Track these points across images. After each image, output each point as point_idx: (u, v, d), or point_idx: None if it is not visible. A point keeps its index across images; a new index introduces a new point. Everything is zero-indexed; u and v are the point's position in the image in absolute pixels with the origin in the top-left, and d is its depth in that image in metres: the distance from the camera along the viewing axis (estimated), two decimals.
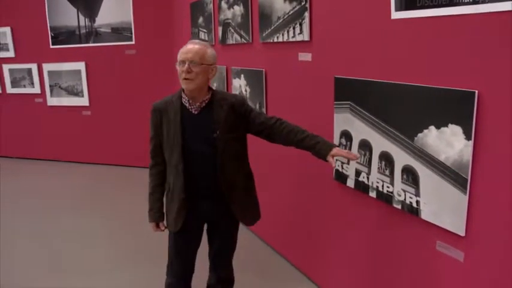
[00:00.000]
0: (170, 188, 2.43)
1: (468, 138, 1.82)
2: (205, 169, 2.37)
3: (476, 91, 1.77)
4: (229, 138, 2.35)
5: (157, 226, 2.52)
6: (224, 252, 2.66)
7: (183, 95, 2.35)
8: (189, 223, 2.42)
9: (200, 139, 2.34)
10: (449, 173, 1.93)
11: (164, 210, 2.51)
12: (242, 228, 2.70)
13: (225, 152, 2.34)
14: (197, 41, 2.37)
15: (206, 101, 2.35)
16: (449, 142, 1.91)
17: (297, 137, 2.35)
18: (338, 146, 2.35)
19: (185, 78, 2.25)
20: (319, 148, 2.28)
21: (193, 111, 2.34)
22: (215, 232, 2.59)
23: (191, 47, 2.29)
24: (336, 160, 2.68)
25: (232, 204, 2.43)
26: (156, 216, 2.49)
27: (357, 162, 2.55)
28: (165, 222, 2.52)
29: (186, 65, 2.23)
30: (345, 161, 2.65)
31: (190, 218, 2.41)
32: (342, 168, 2.69)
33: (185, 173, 2.33)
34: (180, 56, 2.28)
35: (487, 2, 1.69)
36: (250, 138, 2.51)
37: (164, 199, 2.51)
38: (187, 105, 2.33)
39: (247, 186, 2.55)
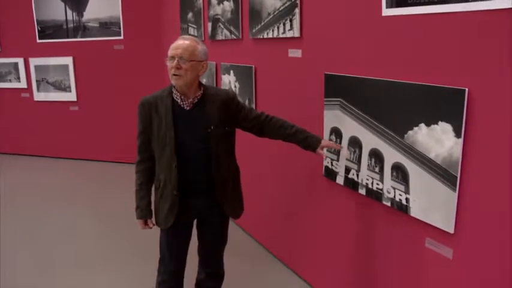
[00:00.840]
0: (161, 185, 2.39)
1: (458, 135, 1.82)
2: (198, 165, 2.36)
3: (467, 89, 1.77)
4: (222, 133, 2.37)
5: (145, 223, 2.47)
6: (216, 248, 2.65)
7: (174, 91, 2.32)
8: (180, 219, 2.40)
9: (193, 135, 2.32)
10: (439, 171, 1.94)
11: (152, 207, 2.47)
12: (231, 224, 2.69)
13: (218, 148, 2.36)
14: (188, 36, 2.35)
15: (198, 97, 2.33)
16: (439, 139, 1.92)
17: (287, 132, 2.50)
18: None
19: (174, 74, 2.24)
20: (309, 141, 2.49)
21: (185, 107, 2.31)
22: (206, 228, 2.58)
23: (181, 42, 2.26)
24: (326, 157, 2.70)
25: (223, 198, 2.45)
26: (144, 213, 2.44)
27: (347, 159, 2.55)
28: (153, 219, 2.48)
29: (175, 61, 2.23)
30: (335, 157, 2.64)
31: (181, 215, 2.39)
32: (332, 165, 2.69)
33: (179, 170, 2.31)
34: (170, 51, 2.26)
35: (478, 0, 1.69)
36: (239, 134, 2.51)
37: (152, 196, 2.47)
38: (178, 101, 2.31)
39: (236, 180, 2.57)
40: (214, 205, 2.46)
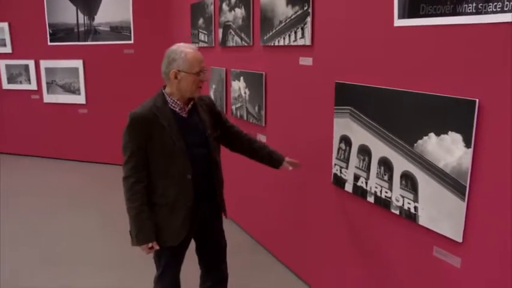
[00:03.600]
0: (169, 199, 2.27)
1: (468, 146, 1.84)
2: (204, 170, 2.36)
3: (477, 100, 1.79)
4: (214, 136, 2.44)
5: (150, 248, 2.30)
6: (220, 250, 2.63)
7: (171, 100, 2.29)
8: (189, 231, 2.37)
9: (196, 141, 2.33)
10: (448, 180, 1.96)
11: (153, 226, 2.29)
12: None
13: (215, 150, 2.43)
14: (192, 45, 2.35)
15: (192, 103, 2.37)
16: (449, 149, 1.94)
17: (255, 145, 2.65)
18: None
19: (200, 87, 2.29)
20: (274, 156, 2.66)
21: (183, 115, 2.31)
22: (209, 234, 2.55)
23: (199, 53, 2.28)
24: (335, 165, 2.72)
25: (222, 200, 2.52)
26: (148, 237, 2.26)
27: (356, 167, 2.57)
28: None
29: (206, 74, 2.29)
30: (344, 165, 2.66)
31: (191, 226, 2.36)
32: (341, 172, 2.71)
33: (193, 179, 2.28)
34: (197, 65, 2.25)
35: (490, 13, 1.72)
36: None
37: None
38: (177, 109, 2.29)
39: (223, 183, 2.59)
40: (215, 209, 2.51)
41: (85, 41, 6.45)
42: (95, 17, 6.33)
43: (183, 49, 2.24)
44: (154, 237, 2.27)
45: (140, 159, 2.22)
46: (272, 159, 2.65)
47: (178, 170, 2.25)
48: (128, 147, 2.22)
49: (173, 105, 2.28)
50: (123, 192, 2.26)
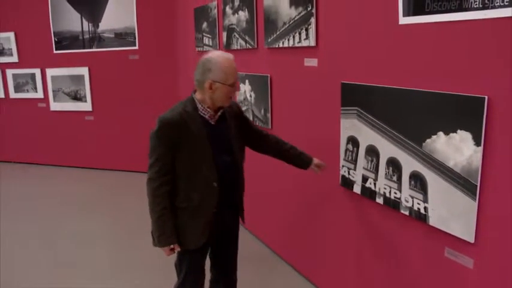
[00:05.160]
0: (192, 204, 2.27)
1: (478, 144, 1.81)
2: (229, 178, 2.36)
3: (486, 97, 1.76)
4: (241, 144, 2.45)
5: (171, 249, 2.32)
6: (234, 256, 2.65)
7: (202, 107, 2.27)
8: (209, 236, 2.36)
9: (223, 149, 2.32)
10: (458, 179, 1.92)
11: (174, 229, 2.30)
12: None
13: (240, 159, 2.43)
14: (227, 54, 2.28)
15: (221, 111, 2.34)
16: (458, 148, 1.90)
17: (284, 147, 2.65)
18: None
19: (231, 97, 2.30)
20: (304, 157, 2.67)
21: (212, 122, 2.29)
22: (225, 240, 2.55)
23: (234, 65, 2.25)
24: (343, 166, 2.69)
25: (241, 207, 2.53)
26: (170, 239, 2.27)
27: (364, 168, 2.54)
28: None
29: (238, 86, 2.32)
30: (352, 166, 2.63)
31: (213, 231, 2.36)
32: (349, 174, 2.68)
33: (218, 187, 2.27)
34: (232, 76, 2.22)
35: (497, 7, 1.69)
36: None
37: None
38: (206, 116, 2.27)
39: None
40: (236, 216, 2.53)
41: (90, 48, 6.46)
42: (100, 24, 6.34)
43: (220, 59, 2.20)
44: (176, 239, 2.29)
45: (166, 164, 2.21)
46: (301, 161, 2.68)
47: (204, 177, 2.25)
48: (155, 151, 2.22)
49: (203, 112, 2.27)
50: (147, 194, 2.27)
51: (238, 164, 2.40)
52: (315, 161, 2.69)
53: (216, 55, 2.23)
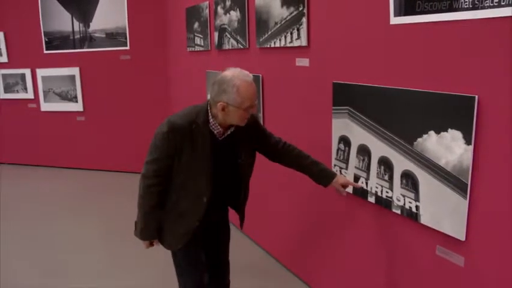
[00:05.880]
0: (179, 209, 2.26)
1: (468, 143, 1.82)
2: (225, 194, 2.38)
3: (477, 96, 1.77)
4: (250, 162, 2.39)
5: (151, 244, 2.36)
6: (227, 259, 2.67)
7: (212, 121, 2.19)
8: (192, 240, 2.32)
9: (225, 166, 2.28)
10: (449, 178, 1.94)
11: (157, 226, 2.33)
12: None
13: (246, 176, 2.40)
14: (247, 73, 2.17)
15: (231, 129, 2.27)
16: (449, 147, 1.92)
17: (303, 162, 2.47)
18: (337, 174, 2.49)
19: (247, 118, 2.20)
20: (323, 175, 2.45)
21: (219, 138, 2.24)
22: (214, 243, 2.55)
23: (254, 87, 2.15)
24: (335, 165, 2.70)
25: (241, 215, 2.52)
26: (151, 235, 2.31)
27: (356, 167, 2.55)
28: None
29: (255, 108, 2.19)
30: (344, 165, 2.64)
31: (192, 237, 2.31)
32: (341, 173, 2.69)
33: (208, 203, 2.24)
34: (248, 100, 2.11)
35: (487, 8, 1.70)
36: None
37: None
38: (215, 131, 2.21)
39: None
40: (225, 220, 2.59)
41: (81, 48, 6.43)
42: (90, 23, 6.31)
43: (237, 82, 2.07)
44: (156, 235, 2.33)
45: (163, 166, 2.18)
46: (320, 179, 2.46)
47: (197, 189, 2.21)
48: (157, 151, 2.17)
49: (213, 126, 2.20)
50: (139, 187, 2.24)
51: (242, 179, 2.37)
52: (340, 179, 2.43)
53: (234, 75, 2.10)
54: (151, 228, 2.29)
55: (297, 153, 2.48)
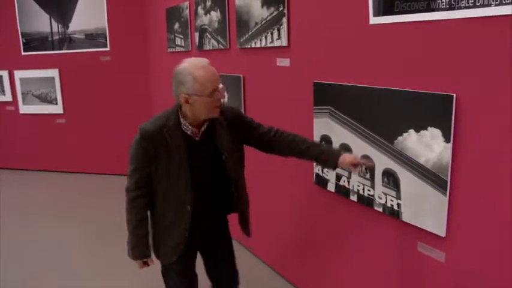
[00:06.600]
0: (166, 220, 2.17)
1: (447, 140, 1.85)
2: (213, 197, 2.23)
3: (455, 94, 1.80)
4: (236, 157, 2.22)
5: (144, 263, 2.23)
6: (231, 270, 2.51)
7: (183, 121, 2.08)
8: (185, 253, 2.23)
9: (206, 167, 2.15)
10: (430, 175, 1.97)
11: (149, 242, 2.24)
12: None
13: (235, 174, 2.22)
14: (203, 59, 2.08)
15: (207, 124, 2.14)
16: (428, 145, 1.94)
17: (299, 148, 2.23)
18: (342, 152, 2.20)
19: (217, 106, 2.05)
20: (325, 158, 2.18)
21: (195, 138, 2.11)
22: (212, 256, 2.46)
23: (212, 70, 2.03)
24: (316, 164, 2.71)
25: (243, 220, 2.38)
26: (144, 253, 2.18)
27: None
28: (152, 255, 2.26)
29: (222, 91, 2.04)
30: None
31: (186, 248, 2.21)
32: (323, 172, 2.71)
33: (193, 211, 2.13)
34: (210, 84, 1.99)
35: (463, 8, 1.73)
36: None
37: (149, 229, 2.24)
38: (189, 132, 2.09)
39: (247, 195, 2.44)
40: (220, 228, 2.42)
41: (60, 49, 6.34)
42: (69, 24, 6.23)
43: (191, 70, 1.98)
44: (149, 253, 2.21)
45: (143, 176, 2.09)
46: (323, 163, 2.23)
47: (178, 197, 2.11)
48: (133, 161, 2.09)
49: (185, 127, 2.09)
50: (125, 202, 2.16)
51: (234, 179, 2.22)
52: (347, 159, 2.12)
53: (187, 64, 2.02)
54: (141, 246, 2.17)
55: (291, 140, 2.24)
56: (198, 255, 2.45)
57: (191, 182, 2.09)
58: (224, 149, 2.15)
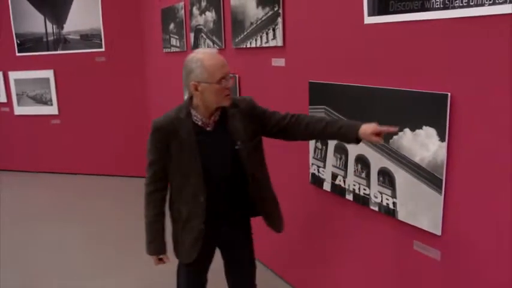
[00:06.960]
0: (182, 217, 2.16)
1: (442, 139, 1.86)
2: (227, 190, 2.17)
3: (449, 93, 1.81)
4: (251, 147, 2.16)
5: (160, 259, 2.23)
6: (248, 260, 2.43)
7: (194, 113, 2.09)
8: (203, 251, 2.20)
9: (220, 159, 2.12)
10: (425, 174, 1.98)
11: (164, 239, 2.23)
12: None
13: (251, 164, 2.16)
14: (213, 49, 2.13)
15: (219, 114, 2.12)
16: (424, 144, 1.95)
17: (318, 127, 2.10)
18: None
19: (227, 95, 2.04)
20: (345, 132, 2.01)
21: (207, 129, 2.10)
22: (235, 257, 2.40)
23: (220, 58, 2.03)
24: (312, 164, 2.71)
25: (268, 215, 2.31)
26: (159, 248, 2.20)
27: (333, 166, 2.57)
28: (169, 253, 2.26)
29: (230, 80, 2.03)
30: (321, 164, 2.67)
31: (205, 246, 2.19)
32: (319, 172, 2.72)
33: (207, 202, 2.10)
34: (218, 71, 1.98)
35: (457, 8, 1.74)
36: None
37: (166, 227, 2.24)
38: (199, 123, 2.08)
39: (274, 194, 2.36)
40: (239, 228, 2.35)
41: (55, 50, 6.33)
42: (64, 25, 6.21)
43: (200, 56, 2.00)
44: (165, 249, 2.22)
45: (159, 170, 2.13)
46: (343, 137, 2.07)
47: (192, 189, 2.10)
48: (149, 156, 2.14)
49: (196, 118, 2.08)
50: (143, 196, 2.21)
51: (249, 170, 2.15)
52: (368, 129, 1.91)
53: (197, 52, 2.05)
54: (158, 241, 2.19)
55: (308, 121, 2.13)
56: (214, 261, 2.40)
57: (204, 172, 2.08)
58: (237, 139, 2.11)
